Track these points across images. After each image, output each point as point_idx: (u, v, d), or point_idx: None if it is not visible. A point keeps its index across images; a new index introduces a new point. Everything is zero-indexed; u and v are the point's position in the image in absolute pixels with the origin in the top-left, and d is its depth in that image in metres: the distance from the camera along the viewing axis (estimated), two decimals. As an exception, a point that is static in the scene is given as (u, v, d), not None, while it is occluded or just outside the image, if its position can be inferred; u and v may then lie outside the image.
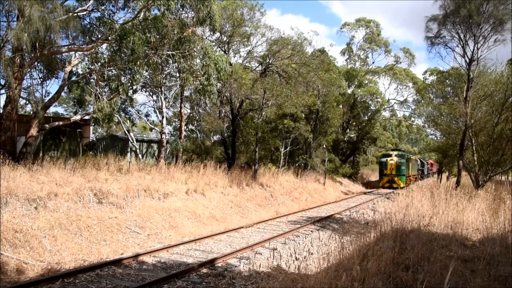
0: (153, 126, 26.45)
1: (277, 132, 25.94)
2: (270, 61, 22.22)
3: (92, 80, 14.38)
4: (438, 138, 30.85)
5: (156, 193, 13.22)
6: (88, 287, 6.51)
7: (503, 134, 18.30)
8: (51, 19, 10.64)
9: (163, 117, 19.75)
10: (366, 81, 39.77)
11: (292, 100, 21.70)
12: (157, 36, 13.35)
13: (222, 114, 23.78)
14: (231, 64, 19.76)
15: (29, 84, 15.05)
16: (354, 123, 40.78)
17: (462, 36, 18.80)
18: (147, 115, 25.95)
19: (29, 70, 13.54)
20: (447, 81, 25.54)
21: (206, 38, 19.08)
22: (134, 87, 16.73)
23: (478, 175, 19.08)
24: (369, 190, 33.27)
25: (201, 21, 14.07)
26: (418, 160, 44.76)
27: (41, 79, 15.57)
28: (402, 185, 31.60)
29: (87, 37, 12.83)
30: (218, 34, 21.33)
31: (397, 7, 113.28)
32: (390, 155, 34.25)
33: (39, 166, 11.45)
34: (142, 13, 13.35)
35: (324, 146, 31.01)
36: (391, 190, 30.32)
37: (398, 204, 12.75)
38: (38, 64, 14.61)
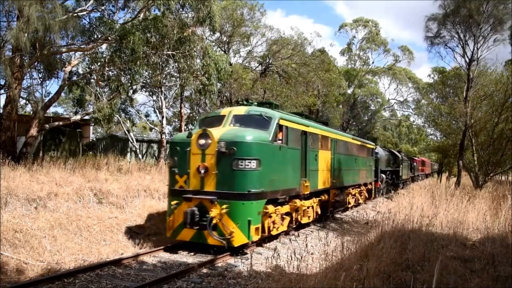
0: (153, 126, 26.49)
1: (277, 132, 25.89)
2: (270, 61, 22.24)
3: (92, 80, 14.38)
4: (438, 138, 30.88)
5: (156, 193, 13.20)
6: (88, 287, 6.50)
7: (503, 134, 18.34)
8: (51, 19, 10.65)
9: (163, 117, 19.77)
10: (366, 81, 39.80)
11: (292, 100, 21.72)
12: (157, 36, 13.36)
13: (222, 114, 23.74)
14: (231, 64, 19.76)
15: (29, 84, 15.08)
16: (354, 123, 40.79)
17: (462, 35, 18.86)
18: (147, 115, 26.06)
19: (29, 70, 13.54)
20: (448, 81, 25.60)
21: (206, 38, 19.10)
22: (134, 87, 16.74)
23: (478, 175, 19.11)
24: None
25: (201, 21, 14.09)
26: (381, 150, 22.86)
27: (41, 79, 15.58)
28: (239, 237, 8.03)
29: (87, 37, 12.85)
30: (218, 34, 21.36)
31: (401, 7, 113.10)
32: (217, 119, 9.26)
33: (39, 166, 11.43)
34: (142, 13, 13.36)
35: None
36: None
37: (399, 204, 12.75)
38: (38, 64, 14.61)
